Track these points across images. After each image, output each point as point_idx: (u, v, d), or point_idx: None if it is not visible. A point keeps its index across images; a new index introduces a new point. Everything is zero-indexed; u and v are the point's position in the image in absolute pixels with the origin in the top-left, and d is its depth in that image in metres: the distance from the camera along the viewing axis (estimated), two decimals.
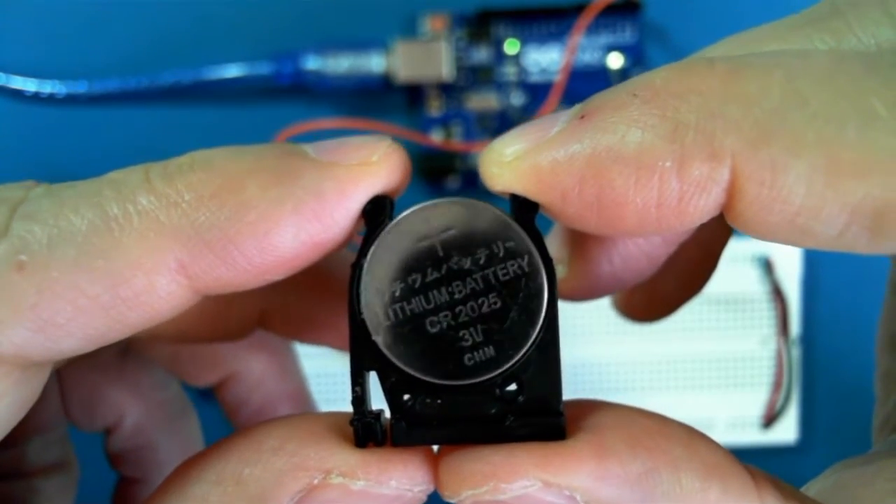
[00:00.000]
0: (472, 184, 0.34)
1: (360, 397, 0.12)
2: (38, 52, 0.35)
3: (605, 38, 0.34)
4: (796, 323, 0.35)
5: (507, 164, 0.12)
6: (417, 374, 0.12)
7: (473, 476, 0.12)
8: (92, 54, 0.35)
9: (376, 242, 0.12)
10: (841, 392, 0.36)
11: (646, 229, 0.12)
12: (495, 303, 0.12)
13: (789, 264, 0.34)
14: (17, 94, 0.35)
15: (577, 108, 0.12)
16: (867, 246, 0.11)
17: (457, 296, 0.12)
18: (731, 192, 0.11)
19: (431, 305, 0.12)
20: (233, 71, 0.34)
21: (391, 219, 0.12)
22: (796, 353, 0.35)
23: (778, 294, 0.34)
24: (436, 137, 0.34)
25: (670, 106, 0.11)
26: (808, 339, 0.36)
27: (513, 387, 0.12)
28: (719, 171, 0.11)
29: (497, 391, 0.12)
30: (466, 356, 0.12)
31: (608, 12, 0.33)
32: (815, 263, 0.35)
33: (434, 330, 0.12)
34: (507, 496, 0.12)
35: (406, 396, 0.12)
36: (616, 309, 0.19)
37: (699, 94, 0.11)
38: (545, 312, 0.12)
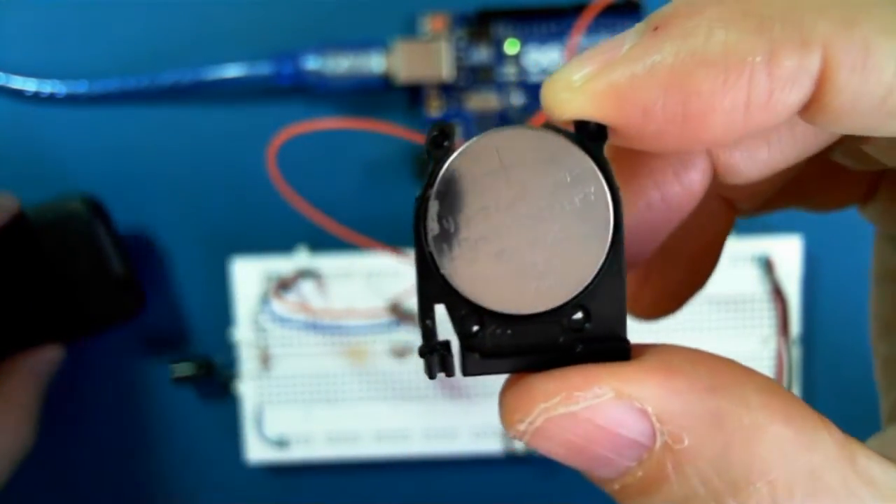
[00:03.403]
0: None
1: (430, 329, 0.12)
2: (38, 52, 0.35)
3: (605, 38, 0.34)
4: (796, 323, 0.35)
5: (579, 88, 0.12)
6: (486, 305, 0.12)
7: (546, 390, 0.12)
8: (92, 54, 0.35)
9: (442, 172, 0.12)
10: (841, 392, 0.36)
11: (728, 135, 0.11)
12: (563, 232, 0.12)
13: (789, 264, 0.34)
14: (17, 94, 0.35)
15: (644, 23, 0.12)
16: None
17: (524, 226, 0.12)
18: (820, 83, 0.11)
19: (499, 236, 0.12)
20: (233, 71, 0.34)
21: (453, 148, 0.12)
22: (796, 352, 0.35)
23: (778, 294, 0.34)
24: None
25: (751, 0, 0.11)
26: (808, 338, 0.36)
27: (579, 315, 0.12)
28: (810, 59, 0.11)
29: (564, 320, 0.12)
30: (534, 286, 0.12)
31: (608, 12, 0.33)
32: (815, 263, 0.35)
33: (502, 261, 0.12)
34: (580, 406, 0.12)
35: (475, 328, 0.12)
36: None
37: None
38: (611, 241, 0.12)
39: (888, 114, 0.11)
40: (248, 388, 0.34)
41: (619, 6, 0.33)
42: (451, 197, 0.12)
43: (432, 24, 0.34)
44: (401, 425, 0.34)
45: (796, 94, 0.11)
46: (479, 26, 0.34)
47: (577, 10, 0.33)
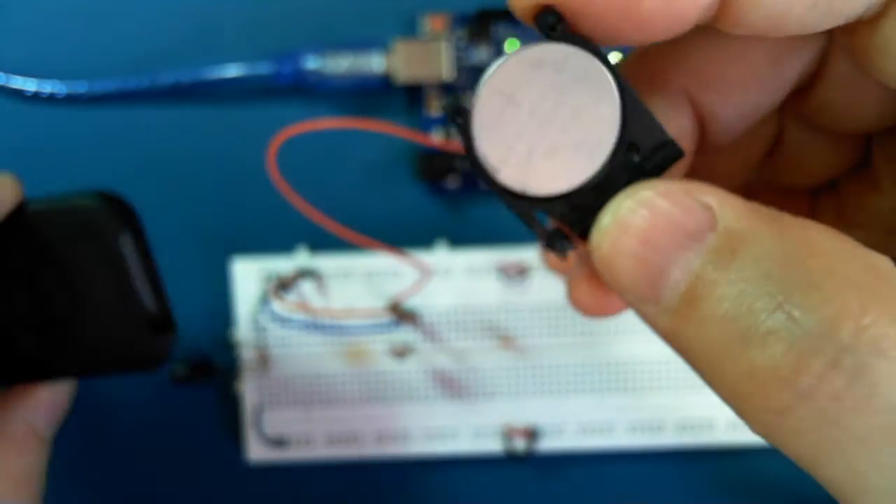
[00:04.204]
0: (472, 184, 0.34)
1: (544, 230, 0.15)
2: (38, 52, 0.35)
3: None
4: None
5: None
6: (565, 191, 0.15)
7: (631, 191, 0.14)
8: (92, 54, 0.35)
9: (472, 140, 0.15)
10: None
11: (662, 15, 0.13)
12: (582, 106, 0.14)
13: None
14: (17, 94, 0.35)
15: None
16: (842, 2, 0.13)
17: (553, 123, 0.15)
18: None
19: (540, 142, 0.15)
20: (233, 71, 0.34)
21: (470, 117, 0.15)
22: None
23: None
24: (436, 137, 0.34)
25: None
26: None
27: (629, 151, 0.15)
28: None
29: (622, 161, 0.15)
30: (585, 155, 0.15)
31: None
32: None
33: (554, 155, 0.15)
34: (660, 188, 0.13)
35: (569, 210, 0.15)
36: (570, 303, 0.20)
37: None
38: (618, 89, 0.14)
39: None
40: (248, 388, 0.34)
41: None
42: (491, 148, 0.15)
43: (432, 24, 0.34)
44: (401, 425, 0.34)
45: None
46: (479, 26, 0.34)
47: None
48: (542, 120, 0.14)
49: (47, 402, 0.25)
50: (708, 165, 0.18)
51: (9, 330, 0.24)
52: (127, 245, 0.24)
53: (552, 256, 0.20)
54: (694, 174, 0.18)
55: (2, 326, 0.24)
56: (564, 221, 0.15)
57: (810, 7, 0.13)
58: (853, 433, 0.11)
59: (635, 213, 0.13)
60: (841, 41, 0.15)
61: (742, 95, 0.17)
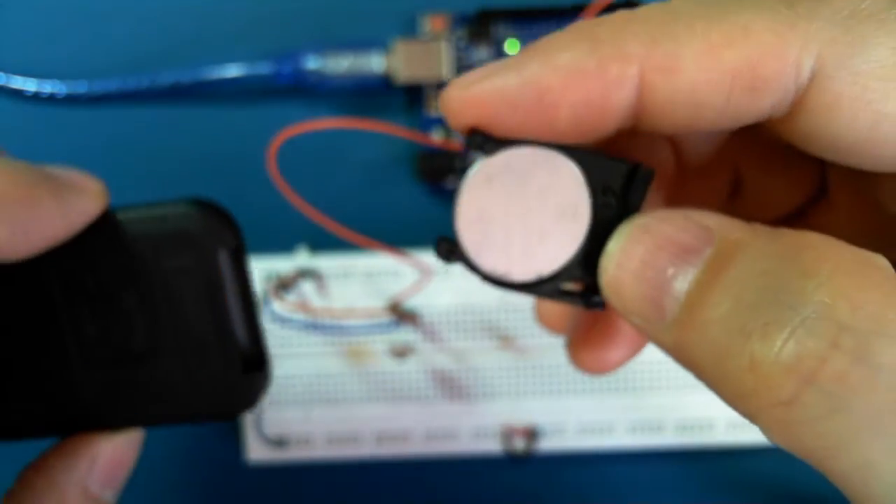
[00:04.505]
0: None
1: (573, 296, 0.16)
2: (38, 52, 0.35)
3: None
4: None
5: (468, 89, 0.15)
6: (572, 257, 0.16)
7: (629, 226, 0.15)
8: (92, 54, 0.35)
9: (475, 264, 0.16)
10: None
11: (576, 123, 0.15)
12: (544, 183, 0.15)
13: None
14: (17, 94, 0.35)
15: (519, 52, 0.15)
16: (750, 103, 0.14)
17: (529, 206, 0.16)
18: (642, 88, 0.14)
19: (527, 234, 0.16)
20: (233, 71, 0.34)
21: (458, 246, 0.16)
22: None
23: None
24: (436, 137, 0.34)
25: (588, 30, 0.15)
26: None
27: (606, 196, 0.16)
28: (629, 69, 0.14)
29: (605, 207, 0.16)
30: (571, 220, 0.16)
31: (608, 12, 0.33)
32: None
33: (546, 233, 0.16)
34: (660, 215, 0.14)
35: (581, 267, 0.16)
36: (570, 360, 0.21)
37: (607, 19, 0.15)
38: (566, 155, 0.15)
39: (698, 104, 0.14)
40: None
41: (619, 6, 0.33)
42: (493, 263, 0.16)
43: (432, 24, 0.34)
44: (401, 426, 0.34)
45: (624, 93, 0.14)
46: (479, 26, 0.34)
47: (577, 10, 0.33)
48: (520, 215, 0.16)
49: (107, 458, 0.20)
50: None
51: (68, 366, 0.20)
52: (226, 263, 0.20)
53: (546, 316, 0.22)
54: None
55: (61, 361, 0.20)
56: (584, 280, 0.16)
57: (719, 114, 0.14)
58: (861, 416, 0.11)
59: (636, 236, 0.14)
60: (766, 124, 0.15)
61: (705, 118, 0.17)
